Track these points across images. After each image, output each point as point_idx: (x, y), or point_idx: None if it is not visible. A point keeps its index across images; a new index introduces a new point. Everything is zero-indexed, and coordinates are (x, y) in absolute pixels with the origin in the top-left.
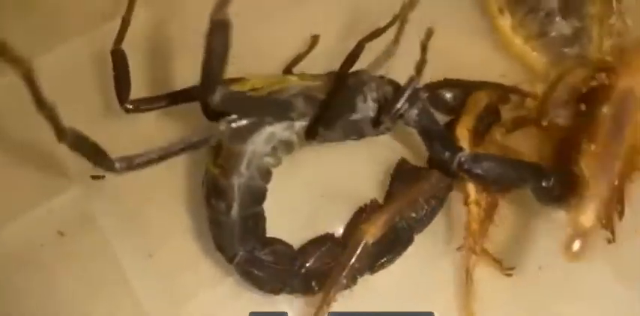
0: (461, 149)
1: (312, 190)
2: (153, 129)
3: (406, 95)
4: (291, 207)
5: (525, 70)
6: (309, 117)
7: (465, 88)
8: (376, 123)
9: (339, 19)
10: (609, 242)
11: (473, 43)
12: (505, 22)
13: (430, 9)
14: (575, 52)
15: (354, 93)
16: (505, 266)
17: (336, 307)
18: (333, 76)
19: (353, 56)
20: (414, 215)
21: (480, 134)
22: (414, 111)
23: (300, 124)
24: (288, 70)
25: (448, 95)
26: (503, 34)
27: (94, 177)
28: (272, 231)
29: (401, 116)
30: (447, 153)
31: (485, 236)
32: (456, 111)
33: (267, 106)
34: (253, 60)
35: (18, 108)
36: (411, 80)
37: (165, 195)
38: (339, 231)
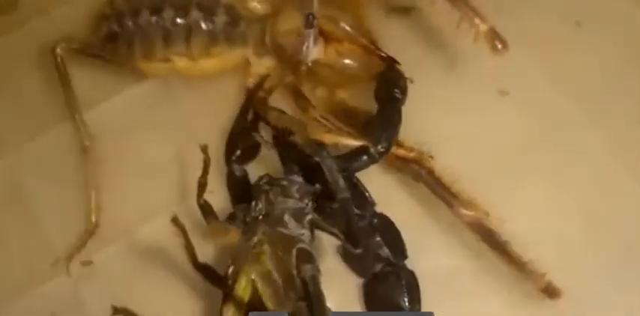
0: (368, 148)
1: None
2: None
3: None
4: None
5: (252, 69)
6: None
7: (262, 119)
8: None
9: None
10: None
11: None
12: (182, 63)
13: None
14: (244, 26)
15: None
16: None
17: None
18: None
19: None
20: None
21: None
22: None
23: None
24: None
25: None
26: (199, 72)
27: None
28: None
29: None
30: (367, 158)
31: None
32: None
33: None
34: None
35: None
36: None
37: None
38: None
